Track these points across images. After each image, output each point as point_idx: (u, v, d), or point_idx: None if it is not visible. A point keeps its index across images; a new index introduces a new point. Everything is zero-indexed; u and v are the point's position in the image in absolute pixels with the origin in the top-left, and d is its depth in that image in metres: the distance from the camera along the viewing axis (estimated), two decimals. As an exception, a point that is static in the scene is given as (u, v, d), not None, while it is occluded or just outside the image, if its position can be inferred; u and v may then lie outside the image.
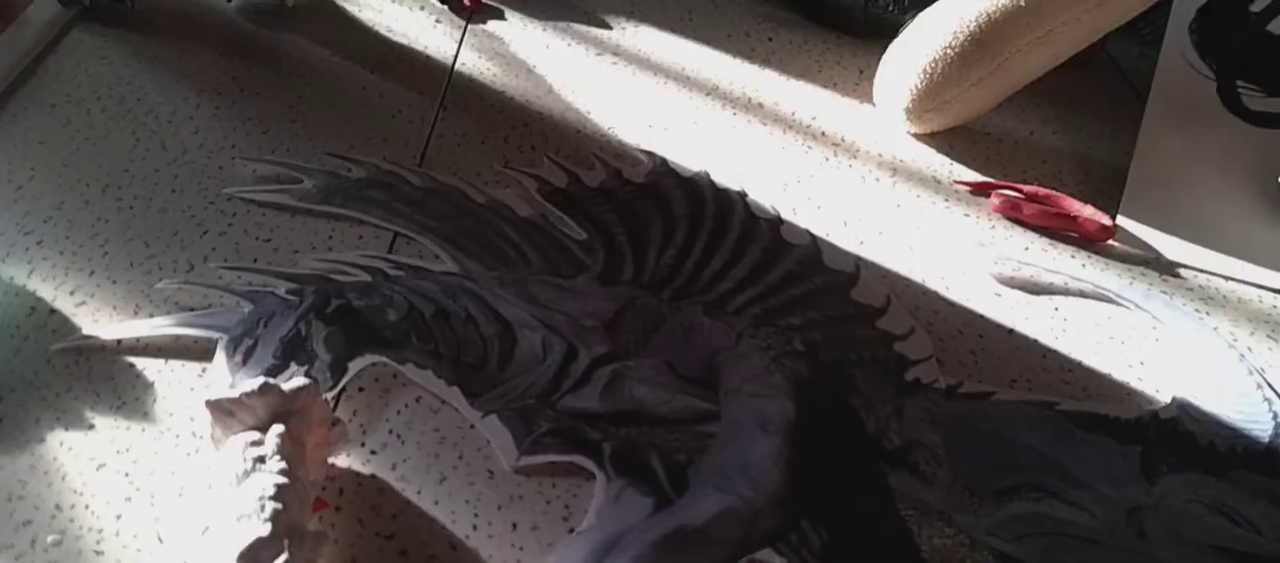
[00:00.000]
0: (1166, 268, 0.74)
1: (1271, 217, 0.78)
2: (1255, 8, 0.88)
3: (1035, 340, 0.66)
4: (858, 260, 0.70)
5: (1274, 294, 0.73)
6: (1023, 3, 0.76)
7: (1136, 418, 0.61)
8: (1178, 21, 0.91)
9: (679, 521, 0.51)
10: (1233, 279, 0.73)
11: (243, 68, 0.80)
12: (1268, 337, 0.69)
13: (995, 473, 0.57)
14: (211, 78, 0.78)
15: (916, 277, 0.70)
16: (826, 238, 0.72)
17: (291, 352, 0.57)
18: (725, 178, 0.76)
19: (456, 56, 0.86)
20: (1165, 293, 0.71)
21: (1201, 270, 0.74)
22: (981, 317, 0.67)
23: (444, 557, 0.49)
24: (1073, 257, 0.74)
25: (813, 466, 0.55)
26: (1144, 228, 0.76)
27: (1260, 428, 0.61)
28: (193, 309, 0.60)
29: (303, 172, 0.70)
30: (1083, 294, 0.70)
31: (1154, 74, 0.90)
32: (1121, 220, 0.77)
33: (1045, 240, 0.75)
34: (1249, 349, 0.68)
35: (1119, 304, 0.69)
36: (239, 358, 0.56)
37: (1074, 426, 0.60)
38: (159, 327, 0.58)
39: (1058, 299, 0.70)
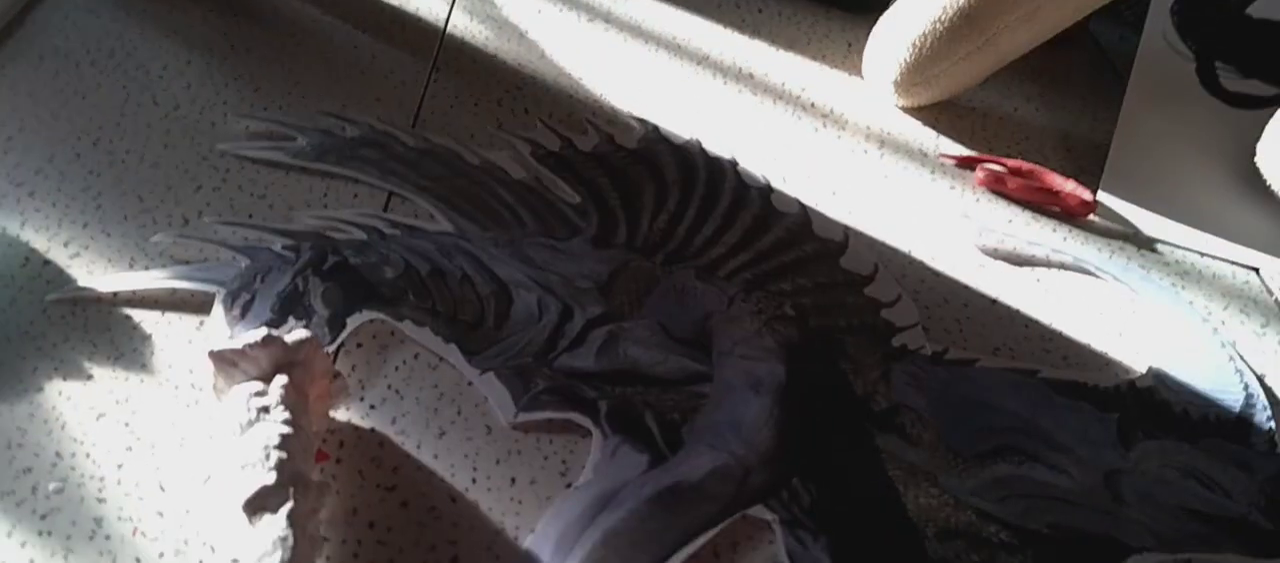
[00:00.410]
0: (1144, 243, 0.75)
1: (1246, 195, 0.80)
2: (1236, -10, 0.90)
3: (1018, 310, 0.68)
4: (846, 229, 0.71)
5: (1247, 271, 0.75)
6: (1011, -21, 0.77)
7: (1114, 386, 0.63)
8: (1159, 3, 0.92)
9: (674, 477, 0.52)
10: (1208, 255, 0.75)
11: (234, 25, 0.80)
12: (1239, 311, 0.71)
13: (978, 436, 0.58)
14: (202, 34, 0.78)
15: (903, 247, 0.71)
16: (816, 207, 0.73)
17: (289, 307, 0.58)
18: (717, 146, 0.76)
19: (448, 18, 0.86)
20: (1143, 267, 0.73)
21: (1178, 246, 0.75)
22: (966, 286, 0.69)
23: (444, 508, 0.50)
24: (1054, 230, 0.75)
25: (803, 426, 0.56)
26: (1123, 204, 0.78)
27: (1232, 398, 0.63)
28: (189, 263, 0.60)
29: (296, 129, 0.70)
30: (1063, 266, 0.71)
31: (1135, 54, 0.91)
32: (1102, 196, 0.78)
33: (1028, 214, 0.76)
34: (1222, 323, 0.70)
35: (1098, 277, 0.71)
36: (237, 312, 0.57)
37: (1054, 392, 0.62)
38: (156, 280, 0.58)
39: (1039, 271, 0.71)
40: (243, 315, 0.57)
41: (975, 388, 0.61)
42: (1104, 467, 0.58)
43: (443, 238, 0.64)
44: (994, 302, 0.68)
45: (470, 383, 0.56)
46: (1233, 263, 0.75)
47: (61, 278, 0.58)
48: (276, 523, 0.43)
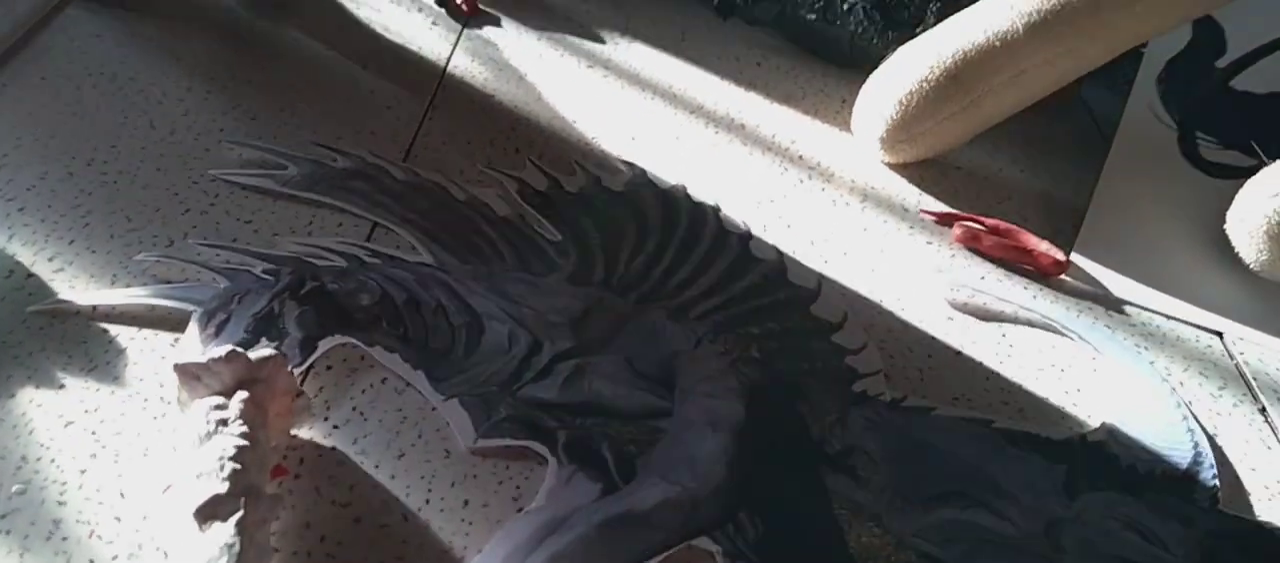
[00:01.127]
0: (1113, 304, 0.76)
1: (1214, 262, 0.81)
2: (1220, 64, 0.91)
3: (981, 363, 0.69)
4: (820, 277, 0.72)
5: (1211, 335, 0.76)
6: (998, 43, 0.79)
7: (1066, 439, 0.64)
8: (1147, 72, 0.94)
9: (624, 506, 0.53)
10: (1174, 318, 0.76)
11: (237, 55, 0.82)
12: (1199, 373, 0.72)
13: (928, 481, 0.59)
14: (205, 62, 0.80)
15: (875, 297, 0.72)
16: (793, 255, 0.74)
17: (263, 328, 0.59)
18: (701, 192, 0.78)
19: (449, 59, 0.88)
20: (1108, 327, 0.74)
21: (1145, 308, 0.76)
22: (932, 338, 0.70)
23: (396, 527, 0.51)
24: (1025, 288, 0.76)
25: (756, 463, 0.58)
26: (1095, 266, 0.79)
27: (1180, 455, 0.64)
28: (170, 282, 0.61)
29: (288, 158, 0.72)
30: (1030, 323, 0.72)
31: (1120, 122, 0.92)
32: (1075, 257, 0.79)
33: (1001, 271, 0.77)
34: (1181, 384, 0.71)
35: (1063, 335, 0.72)
36: (211, 330, 0.58)
37: (1006, 442, 0.63)
38: (135, 296, 0.60)
39: (1005, 327, 0.72)
40: (217, 334, 0.58)
41: (929, 435, 0.62)
42: (1047, 515, 0.59)
43: (422, 269, 0.66)
44: (958, 353, 0.69)
45: (434, 408, 0.57)
46: (1197, 326, 0.76)
47: (44, 291, 0.59)
48: (225, 531, 0.44)
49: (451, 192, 0.73)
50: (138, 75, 0.78)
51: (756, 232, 0.75)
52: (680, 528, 0.53)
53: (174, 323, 0.59)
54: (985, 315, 0.72)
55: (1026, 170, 0.90)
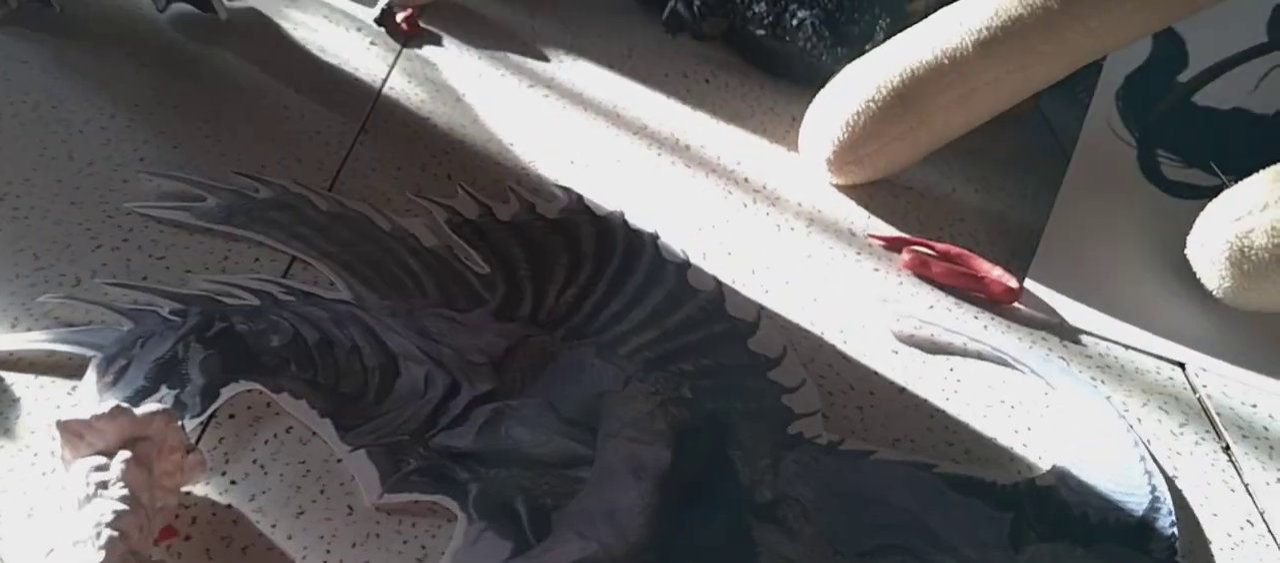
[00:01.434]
0: (1068, 334, 0.74)
1: (1175, 288, 0.78)
2: (1182, 78, 0.88)
3: (925, 400, 0.66)
4: (760, 309, 0.70)
5: (1172, 366, 0.73)
6: (946, 61, 0.77)
7: (1013, 484, 0.61)
8: (1106, 88, 0.91)
9: None
10: (1132, 348, 0.73)
11: (165, 80, 0.80)
12: (1159, 408, 0.69)
13: (863, 532, 0.57)
14: (131, 88, 0.78)
15: (816, 329, 0.70)
16: (732, 285, 0.71)
17: (164, 374, 0.57)
18: (641, 218, 0.76)
19: (386, 81, 0.86)
20: (1063, 359, 0.71)
21: (1103, 338, 0.74)
22: (875, 373, 0.67)
23: (289, 593, 0.48)
24: (976, 317, 0.74)
25: (679, 515, 0.55)
26: (1050, 292, 0.77)
27: (1136, 501, 0.61)
28: (72, 325, 0.59)
29: (207, 189, 0.70)
30: (980, 356, 0.70)
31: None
32: (1029, 283, 0.77)
33: (951, 299, 0.75)
34: (1139, 420, 0.68)
35: (1015, 368, 0.69)
36: (110, 378, 0.56)
37: (950, 488, 0.60)
38: (33, 341, 0.57)
39: (954, 360, 0.70)
40: (116, 382, 0.56)
41: (867, 481, 0.60)
42: None
43: (338, 306, 0.63)
44: (902, 390, 0.67)
45: (340, 460, 0.54)
46: (1157, 357, 0.73)
47: (-61, 336, 0.57)
48: (97, 605, 0.42)
49: (376, 222, 0.70)
50: (60, 103, 0.75)
51: (696, 260, 0.73)
52: None
53: (74, 368, 0.57)
54: (932, 348, 0.70)
55: (981, 190, 0.87)
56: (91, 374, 0.56)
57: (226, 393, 0.57)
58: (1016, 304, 0.75)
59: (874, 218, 0.82)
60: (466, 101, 0.85)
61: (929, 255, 0.77)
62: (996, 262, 0.77)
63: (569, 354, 0.63)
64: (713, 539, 0.55)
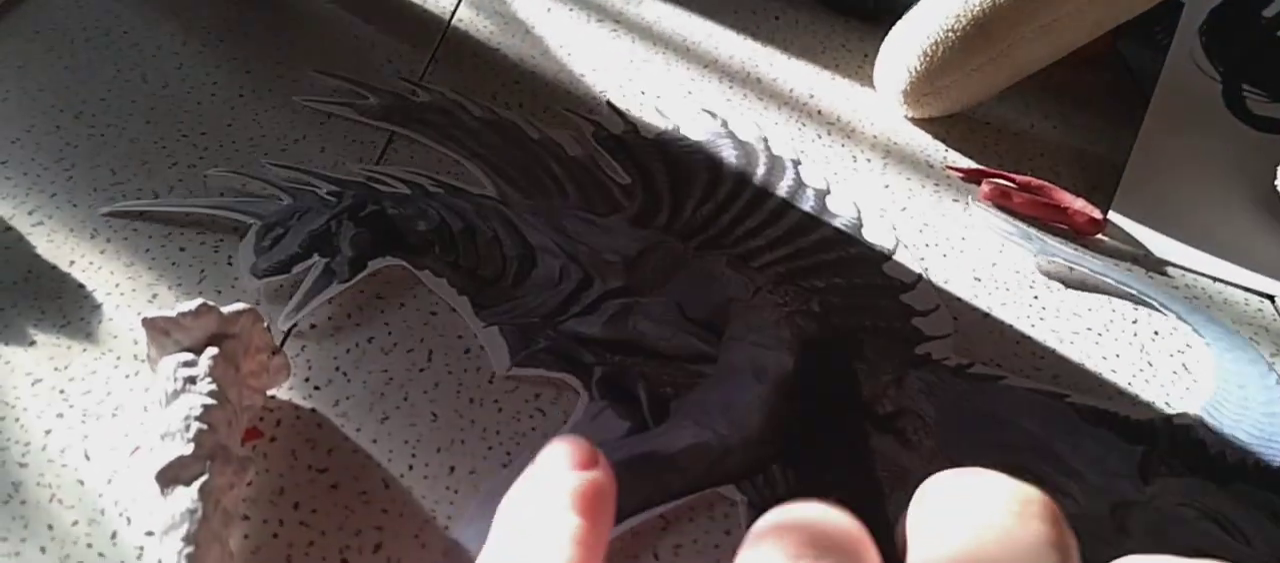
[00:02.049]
0: (1154, 265, 0.72)
1: (1265, 221, 0.76)
2: (1268, 13, 0.86)
3: (1061, 336, 0.65)
4: (898, 238, 0.69)
5: (1261, 298, 0.71)
6: (1028, -11, 0.74)
7: (1149, 420, 0.59)
8: (1188, 22, 0.89)
9: (649, 446, 0.51)
10: (1220, 280, 0.71)
11: (234, 10, 0.79)
12: (1251, 338, 0.67)
13: (984, 450, 0.55)
14: (201, 18, 0.78)
15: (957, 257, 0.69)
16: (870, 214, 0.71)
17: (317, 244, 0.59)
18: (783, 146, 0.76)
19: (454, 12, 0.85)
20: (1209, 308, 0.69)
21: (1189, 270, 0.72)
22: (1011, 305, 0.66)
23: (375, 494, 0.48)
24: (1060, 247, 0.72)
25: (799, 418, 0.55)
26: (1135, 225, 0.74)
27: (1277, 447, 0.59)
28: (236, 195, 0.62)
29: (369, 89, 0.73)
30: (1127, 297, 0.68)
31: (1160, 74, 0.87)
32: (1113, 215, 0.75)
33: (1033, 230, 0.73)
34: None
35: (1161, 313, 0.67)
36: (267, 243, 0.58)
37: (1080, 418, 0.58)
38: (203, 205, 0.60)
39: (1090, 298, 0.68)
40: (271, 248, 0.58)
41: (993, 404, 0.58)
42: (1115, 496, 0.54)
43: (483, 200, 0.65)
44: (1035, 324, 0.65)
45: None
46: (1246, 289, 0.71)
47: (20, 244, 0.57)
48: (187, 495, 0.42)
49: (525, 130, 0.72)
50: (132, 30, 0.75)
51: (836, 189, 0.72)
52: (706, 474, 0.51)
53: (228, 237, 0.59)
54: (1077, 285, 0.68)
55: (1059, 126, 0.85)
56: (250, 239, 0.59)
57: (373, 265, 0.59)
58: (1100, 236, 0.73)
59: (952, 151, 0.80)
60: (536, 33, 0.84)
61: (1009, 187, 0.75)
62: (1078, 194, 0.75)
63: (700, 262, 0.64)
64: (829, 442, 0.54)
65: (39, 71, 0.69)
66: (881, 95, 0.84)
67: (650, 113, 0.77)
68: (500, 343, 0.56)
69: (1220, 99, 0.85)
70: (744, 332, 0.59)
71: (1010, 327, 0.65)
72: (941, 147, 0.80)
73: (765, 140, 0.76)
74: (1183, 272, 0.72)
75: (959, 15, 0.76)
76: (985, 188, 0.75)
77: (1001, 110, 0.85)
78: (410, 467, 0.49)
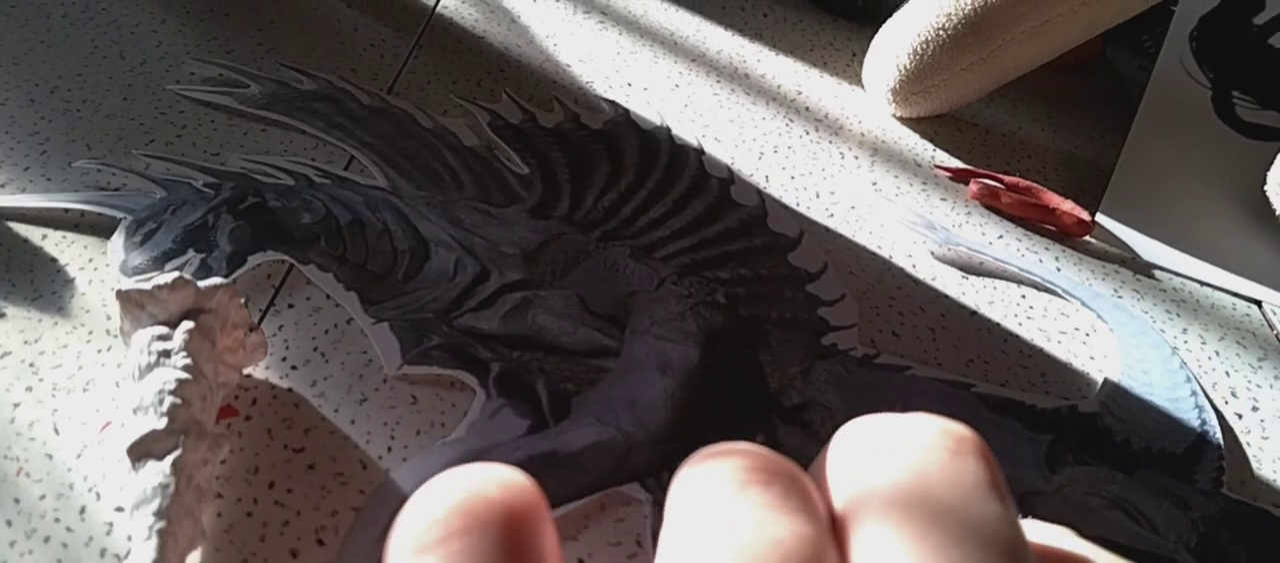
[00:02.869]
0: (1141, 268, 0.71)
1: (1252, 227, 0.76)
2: (1259, 20, 0.86)
3: (968, 324, 0.64)
4: (803, 226, 0.68)
5: (1248, 303, 0.71)
6: (1020, -10, 0.74)
7: (1054, 408, 0.58)
8: (1179, 27, 0.89)
9: (551, 444, 0.49)
10: (1207, 285, 0.71)
11: (216, -11, 0.78)
12: (1237, 343, 0.67)
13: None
14: (182, -5, 0.76)
15: (859, 248, 0.68)
16: (784, 204, 0.69)
17: (192, 239, 0.56)
18: (686, 132, 0.74)
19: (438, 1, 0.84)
20: (1116, 293, 0.68)
21: (1177, 273, 0.71)
22: (918, 294, 0.65)
23: (353, 474, 0.46)
24: (1047, 248, 0.71)
25: (703, 412, 0.53)
26: (1122, 227, 0.74)
27: (1183, 434, 0.58)
28: (105, 189, 0.58)
29: (252, 77, 0.69)
30: (1028, 283, 0.67)
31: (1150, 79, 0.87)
32: (1101, 217, 0.75)
33: (1021, 230, 0.72)
34: (1216, 353, 0.65)
35: (1062, 297, 0.67)
36: (138, 238, 0.55)
37: (985, 407, 0.57)
38: (66, 200, 0.57)
39: (995, 286, 0.67)
40: (143, 243, 0.55)
41: (898, 394, 0.57)
42: (1021, 487, 0.53)
43: (372, 191, 0.62)
44: (943, 314, 0.64)
45: (363, 332, 0.53)
46: (1234, 294, 0.71)
47: (-9, 217, 0.55)
48: (159, 470, 0.40)
49: (418, 119, 0.69)
50: (110, 6, 0.74)
51: (745, 178, 0.71)
52: (609, 472, 0.49)
53: (104, 230, 0.56)
54: (972, 270, 0.67)
55: (1048, 129, 0.85)
56: (119, 235, 0.56)
57: (253, 260, 0.56)
58: (1088, 238, 0.73)
59: (940, 151, 0.79)
60: (521, 22, 0.83)
61: (998, 187, 0.74)
62: (1066, 197, 0.74)
63: (602, 254, 0.62)
64: (735, 437, 0.53)
65: (14, 45, 0.68)
66: (870, 93, 0.83)
67: (640, 105, 0.76)
68: (391, 340, 0.53)
69: (1209, 105, 0.85)
70: (648, 324, 0.57)
71: (917, 317, 0.63)
72: (929, 146, 0.79)
73: (668, 129, 0.74)
74: (1170, 275, 0.71)
75: (950, 14, 0.76)
76: (973, 187, 0.74)
77: (989, 112, 0.85)
78: (388, 449, 0.48)
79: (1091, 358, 0.63)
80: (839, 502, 0.26)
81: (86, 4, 0.73)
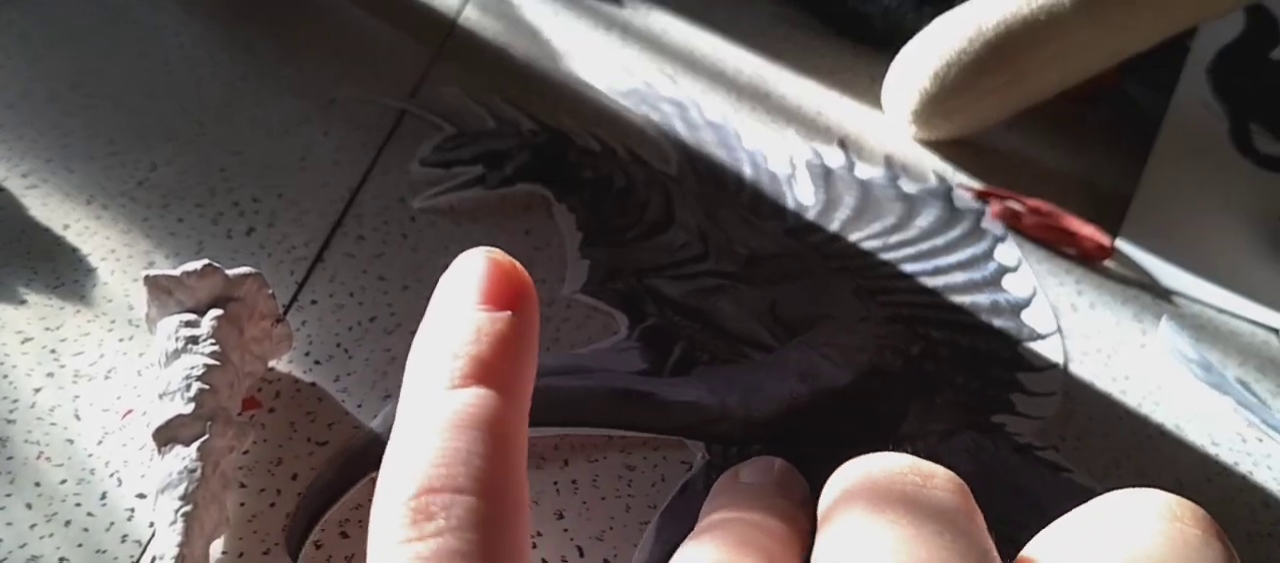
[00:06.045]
0: (1161, 293, 0.71)
1: (1270, 257, 0.76)
2: (1277, 54, 0.86)
3: (1171, 446, 0.58)
4: (1059, 327, 0.64)
5: (1266, 331, 0.70)
6: (1043, 16, 0.74)
7: None
8: (1196, 60, 0.89)
9: (650, 388, 0.49)
10: (1226, 312, 0.71)
11: (239, -5, 0.78)
12: (1256, 370, 0.67)
13: (992, 512, 0.52)
14: (206, 1, 0.76)
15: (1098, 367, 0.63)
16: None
17: (487, 158, 0.63)
18: (964, 192, 0.76)
19: (460, 11, 0.84)
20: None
21: (1196, 300, 0.71)
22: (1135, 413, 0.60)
23: (376, 470, 0.46)
24: (1068, 271, 0.71)
25: (815, 424, 0.51)
26: (1142, 253, 0.74)
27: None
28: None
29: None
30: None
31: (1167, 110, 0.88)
32: (1120, 243, 0.74)
33: (1042, 252, 0.72)
34: (1238, 378, 0.65)
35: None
36: (448, 146, 0.63)
37: None
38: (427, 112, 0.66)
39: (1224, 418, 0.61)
40: (448, 151, 0.63)
41: (1037, 488, 0.50)
42: None
43: (659, 175, 0.67)
44: (1162, 434, 0.58)
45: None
46: (1252, 322, 0.71)
47: (13, 206, 0.55)
48: (186, 455, 0.40)
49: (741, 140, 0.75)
50: (133, 7, 0.74)
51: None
52: (687, 428, 0.48)
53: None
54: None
55: (1067, 156, 0.85)
56: (437, 138, 0.65)
57: (520, 186, 0.62)
58: (1108, 262, 0.72)
59: (961, 172, 0.79)
60: (542, 37, 0.83)
61: (1019, 209, 0.74)
62: (1088, 221, 0.74)
63: (828, 276, 0.62)
64: (828, 459, 0.51)
65: (37, 41, 0.68)
66: (890, 116, 0.83)
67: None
68: (582, 271, 0.56)
69: (1227, 136, 0.85)
70: (820, 341, 0.55)
71: (1110, 437, 0.57)
72: (949, 168, 0.79)
73: (950, 186, 0.76)
74: (1189, 302, 0.71)
75: (972, 38, 0.76)
76: (995, 208, 0.74)
77: (1008, 138, 0.85)
78: (414, 445, 0.47)
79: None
80: None
81: (108, 4, 0.73)
